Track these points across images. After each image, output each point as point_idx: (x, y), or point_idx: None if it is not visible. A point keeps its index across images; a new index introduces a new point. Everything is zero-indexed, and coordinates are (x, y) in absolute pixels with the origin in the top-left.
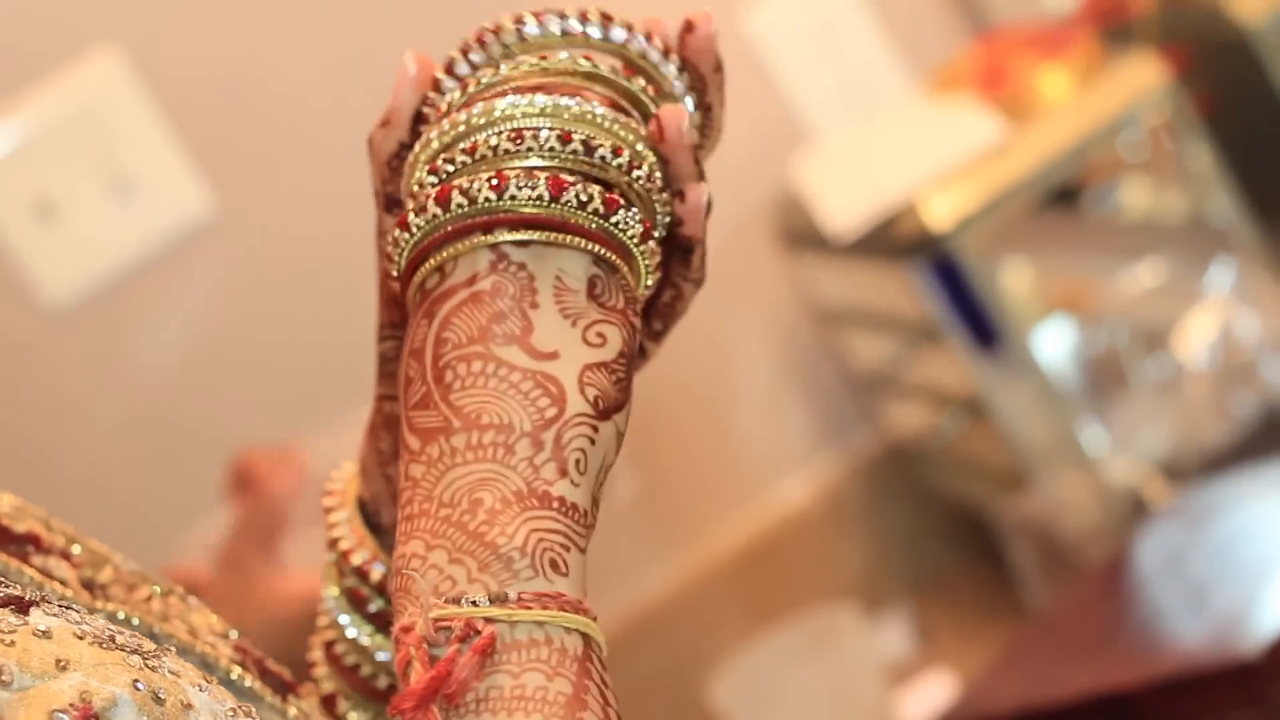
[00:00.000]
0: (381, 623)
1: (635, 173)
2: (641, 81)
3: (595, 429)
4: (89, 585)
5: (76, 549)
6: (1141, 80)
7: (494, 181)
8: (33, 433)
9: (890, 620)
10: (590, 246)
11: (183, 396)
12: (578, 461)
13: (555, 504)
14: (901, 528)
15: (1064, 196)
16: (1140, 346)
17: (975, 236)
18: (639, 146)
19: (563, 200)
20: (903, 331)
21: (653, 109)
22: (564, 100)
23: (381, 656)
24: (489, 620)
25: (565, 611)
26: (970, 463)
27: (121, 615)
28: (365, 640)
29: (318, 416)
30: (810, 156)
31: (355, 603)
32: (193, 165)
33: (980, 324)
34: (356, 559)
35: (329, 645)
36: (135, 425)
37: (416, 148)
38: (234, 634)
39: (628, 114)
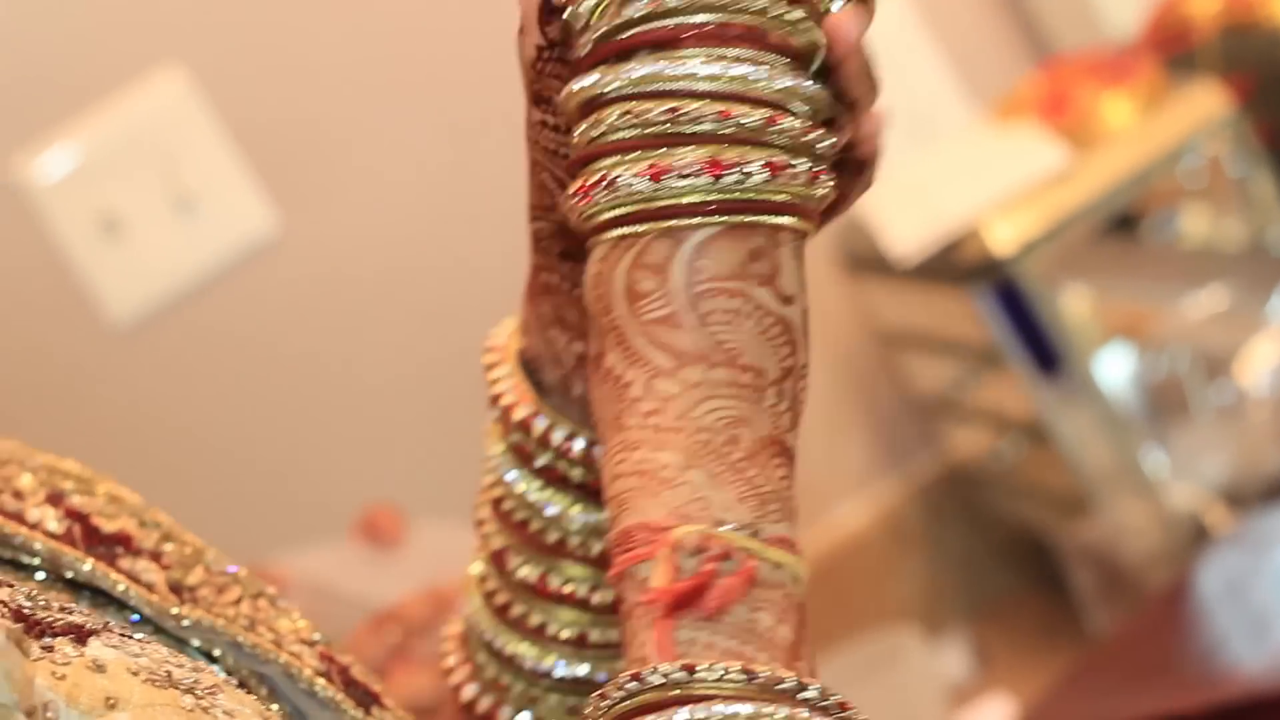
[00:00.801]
0: (550, 477)
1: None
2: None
3: (807, 380)
4: (177, 588)
5: (168, 546)
6: (1204, 108)
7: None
8: (96, 448)
9: (950, 643)
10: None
11: (245, 415)
12: (801, 414)
13: (788, 454)
14: (961, 551)
15: (1125, 223)
16: (1201, 373)
17: (1037, 262)
18: (796, 103)
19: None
20: (964, 355)
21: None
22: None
23: (551, 510)
24: (746, 551)
25: (800, 559)
26: (1031, 487)
27: (206, 622)
28: (534, 496)
29: (384, 440)
30: (874, 181)
31: (521, 458)
32: (257, 184)
33: (1042, 349)
34: (520, 413)
35: (497, 502)
36: (198, 442)
37: (591, 85)
38: (319, 637)
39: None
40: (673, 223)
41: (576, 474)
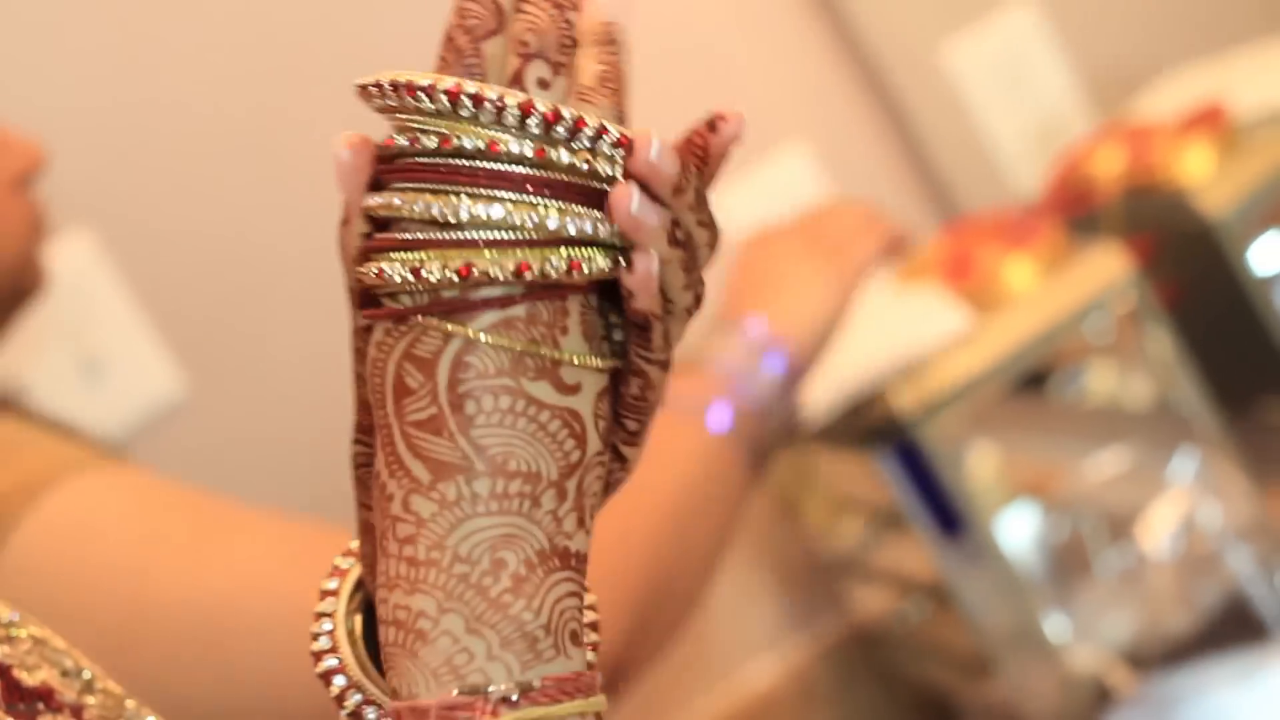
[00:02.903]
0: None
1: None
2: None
3: (604, 463)
4: None
5: (90, 700)
6: (1106, 270)
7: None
8: None
9: None
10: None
11: None
12: (593, 507)
13: (573, 560)
14: (868, 712)
15: (1031, 381)
16: (1104, 534)
17: (941, 424)
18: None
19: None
20: (869, 517)
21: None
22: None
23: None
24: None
25: (582, 698)
26: (935, 648)
27: None
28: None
29: None
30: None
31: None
32: (163, 347)
33: (945, 510)
34: (335, 687)
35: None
36: None
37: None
38: None
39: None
40: (450, 322)
41: None
